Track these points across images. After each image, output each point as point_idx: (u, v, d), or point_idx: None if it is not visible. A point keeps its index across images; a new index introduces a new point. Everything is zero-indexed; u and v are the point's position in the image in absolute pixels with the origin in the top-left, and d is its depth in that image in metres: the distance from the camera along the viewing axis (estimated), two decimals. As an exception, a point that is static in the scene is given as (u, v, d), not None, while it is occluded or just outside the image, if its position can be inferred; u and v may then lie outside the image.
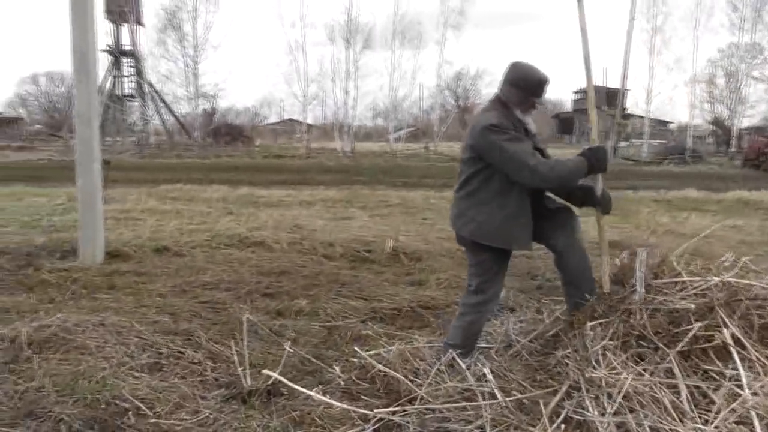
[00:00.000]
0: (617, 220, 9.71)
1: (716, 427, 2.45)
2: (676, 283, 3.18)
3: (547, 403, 2.79)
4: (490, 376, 3.06)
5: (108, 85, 41.93)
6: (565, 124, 66.44)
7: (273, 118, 64.75)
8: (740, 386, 2.64)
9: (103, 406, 3.03)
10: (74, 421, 2.87)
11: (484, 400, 2.89)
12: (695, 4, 35.67)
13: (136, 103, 43.40)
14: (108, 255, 6.35)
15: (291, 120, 51.75)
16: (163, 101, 41.25)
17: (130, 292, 5.10)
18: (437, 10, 55.55)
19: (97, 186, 6.43)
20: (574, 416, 2.66)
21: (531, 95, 3.28)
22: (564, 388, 2.90)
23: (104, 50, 41.00)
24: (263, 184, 14.84)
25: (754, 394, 2.58)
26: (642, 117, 38.16)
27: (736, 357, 2.77)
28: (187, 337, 3.99)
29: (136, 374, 3.42)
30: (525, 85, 3.27)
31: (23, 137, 44.32)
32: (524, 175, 3.15)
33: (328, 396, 3.12)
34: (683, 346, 2.85)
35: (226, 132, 41.64)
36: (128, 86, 42.88)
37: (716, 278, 3.11)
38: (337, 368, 3.52)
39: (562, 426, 2.58)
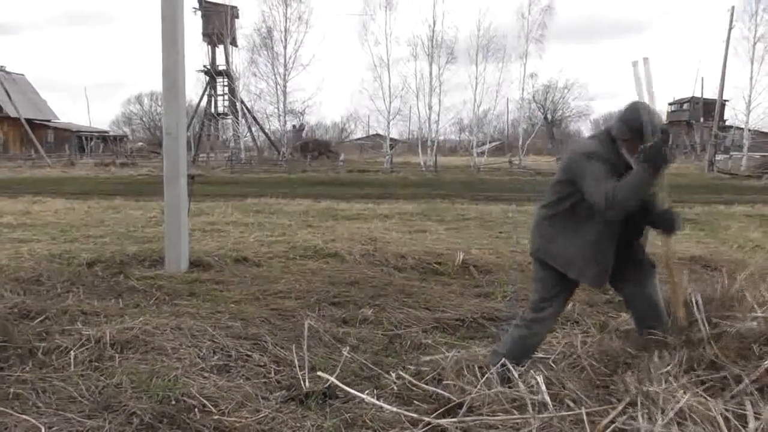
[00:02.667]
0: (703, 236, 9.34)
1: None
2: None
3: (602, 417, 2.78)
4: (542, 386, 3.07)
5: (203, 103, 44.11)
6: (659, 136, 63.90)
7: (359, 134, 66.00)
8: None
9: (173, 402, 3.26)
10: (145, 415, 3.10)
11: (534, 408, 2.92)
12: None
13: (229, 121, 45.29)
14: (191, 264, 6.71)
15: (377, 135, 52.46)
16: (255, 118, 42.84)
17: (208, 298, 5.39)
18: (518, 23, 54.81)
19: (183, 200, 6.80)
20: (625, 427, 2.64)
21: (637, 138, 3.15)
22: (621, 406, 2.86)
23: (201, 70, 43.24)
24: (345, 198, 15.16)
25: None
26: (741, 129, 36.18)
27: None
28: (256, 342, 4.20)
29: (206, 374, 3.65)
30: (633, 126, 3.17)
31: (126, 154, 47.01)
32: (599, 201, 3.07)
33: (381, 400, 3.22)
34: (753, 378, 2.77)
35: (313, 147, 42.71)
36: (222, 104, 45.00)
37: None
38: (393, 374, 3.62)
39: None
